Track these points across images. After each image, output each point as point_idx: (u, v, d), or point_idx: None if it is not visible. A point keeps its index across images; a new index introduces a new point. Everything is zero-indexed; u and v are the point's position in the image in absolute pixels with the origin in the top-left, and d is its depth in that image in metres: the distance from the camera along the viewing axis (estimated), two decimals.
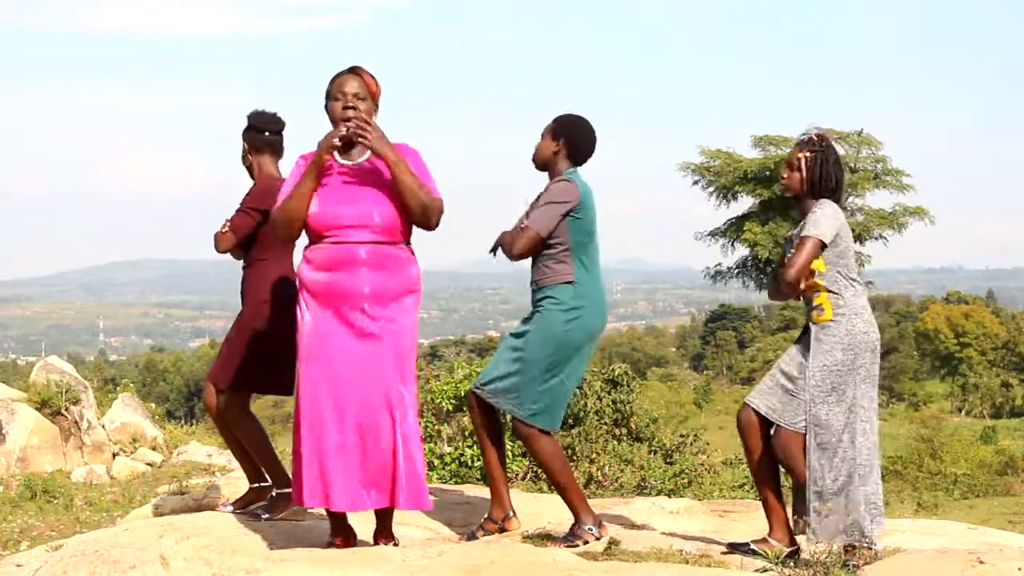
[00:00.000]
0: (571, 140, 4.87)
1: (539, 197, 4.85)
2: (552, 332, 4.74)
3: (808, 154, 4.71)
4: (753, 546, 4.66)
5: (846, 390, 4.54)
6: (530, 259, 4.84)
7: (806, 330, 4.71)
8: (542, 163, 4.92)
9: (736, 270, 30.31)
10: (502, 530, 4.88)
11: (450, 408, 10.83)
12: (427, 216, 4.27)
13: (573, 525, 4.85)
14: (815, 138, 4.74)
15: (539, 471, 10.79)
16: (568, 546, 4.68)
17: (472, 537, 4.87)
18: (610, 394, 12.04)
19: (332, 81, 4.34)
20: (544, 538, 4.93)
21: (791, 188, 4.75)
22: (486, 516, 4.96)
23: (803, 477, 4.55)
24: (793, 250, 4.63)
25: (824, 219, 4.59)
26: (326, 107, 4.34)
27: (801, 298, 4.71)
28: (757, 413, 4.68)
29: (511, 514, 4.91)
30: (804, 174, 4.71)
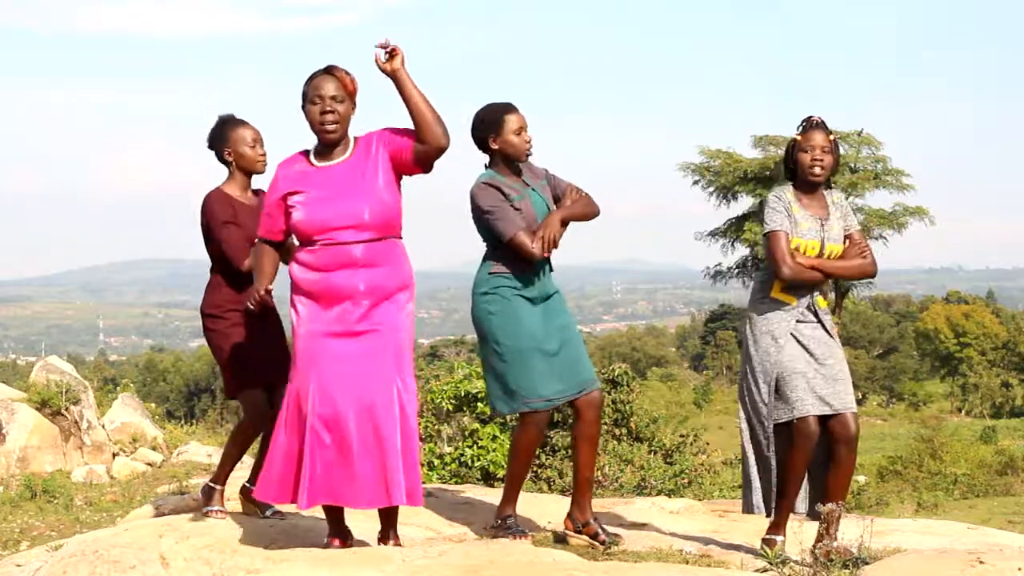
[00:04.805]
0: None
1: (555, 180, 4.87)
2: None
3: (832, 136, 4.71)
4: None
5: None
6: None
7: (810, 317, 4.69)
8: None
9: (736, 270, 30.33)
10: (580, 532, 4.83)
11: (450, 408, 10.83)
12: (442, 126, 4.15)
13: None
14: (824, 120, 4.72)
15: (539, 471, 10.80)
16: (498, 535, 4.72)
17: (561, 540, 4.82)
18: (610, 394, 12.02)
19: (308, 83, 4.22)
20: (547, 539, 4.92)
21: (827, 172, 4.69)
22: (567, 517, 4.87)
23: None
24: (847, 243, 4.70)
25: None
26: (303, 109, 4.22)
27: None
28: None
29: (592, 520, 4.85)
30: (834, 156, 4.70)
